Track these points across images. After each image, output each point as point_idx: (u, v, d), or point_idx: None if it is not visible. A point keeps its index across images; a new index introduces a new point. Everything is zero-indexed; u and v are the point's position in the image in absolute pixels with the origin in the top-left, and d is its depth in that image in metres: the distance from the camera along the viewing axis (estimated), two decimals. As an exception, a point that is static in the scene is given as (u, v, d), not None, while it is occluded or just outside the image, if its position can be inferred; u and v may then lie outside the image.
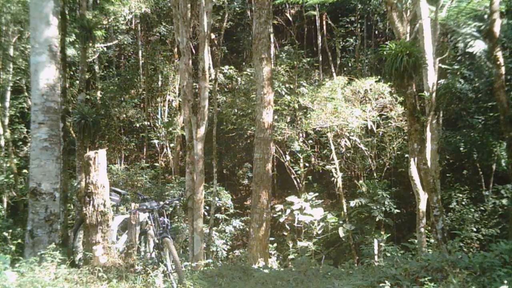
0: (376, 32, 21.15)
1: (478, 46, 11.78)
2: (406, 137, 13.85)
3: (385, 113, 14.47)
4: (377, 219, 13.24)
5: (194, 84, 12.89)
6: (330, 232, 14.12)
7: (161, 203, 5.74)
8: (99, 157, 5.50)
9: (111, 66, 21.47)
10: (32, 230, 5.89)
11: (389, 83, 13.50)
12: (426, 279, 4.09)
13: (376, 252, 11.93)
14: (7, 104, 16.66)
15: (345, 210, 14.44)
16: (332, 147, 14.93)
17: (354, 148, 15.22)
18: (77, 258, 6.16)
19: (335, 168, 14.88)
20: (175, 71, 18.81)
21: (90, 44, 12.62)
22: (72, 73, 17.42)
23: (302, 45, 21.04)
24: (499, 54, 8.34)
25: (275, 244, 13.97)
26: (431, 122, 9.89)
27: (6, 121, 16.53)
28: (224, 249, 14.32)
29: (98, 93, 18.67)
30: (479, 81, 12.84)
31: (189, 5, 10.44)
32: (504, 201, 12.70)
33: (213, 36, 19.39)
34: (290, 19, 21.46)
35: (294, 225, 14.44)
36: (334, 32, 20.38)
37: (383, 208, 13.28)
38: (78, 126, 10.39)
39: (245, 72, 18.01)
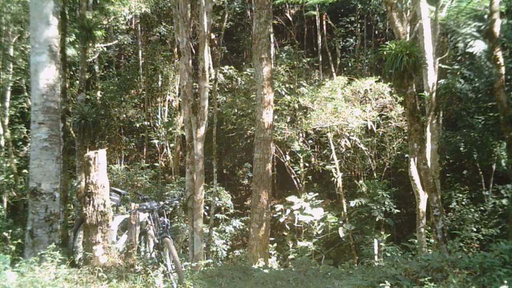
0: (376, 32, 21.15)
1: (478, 46, 11.78)
2: (406, 137, 13.85)
3: (385, 113, 14.46)
4: (377, 219, 13.23)
5: (194, 84, 12.89)
6: (330, 232, 14.12)
7: (161, 203, 5.74)
8: (99, 157, 5.49)
9: (111, 66, 21.46)
10: (32, 230, 5.89)
11: (389, 83, 13.50)
12: (426, 279, 4.09)
13: (376, 252, 11.92)
14: (7, 104, 16.66)
15: (345, 210, 14.44)
16: (332, 147, 14.93)
17: (354, 148, 15.22)
18: (77, 258, 6.16)
19: (335, 168, 14.88)
20: (175, 71, 18.81)
21: (90, 44, 12.62)
22: (72, 73, 17.41)
23: (302, 45, 21.04)
24: (499, 54, 8.34)
25: (275, 244, 13.96)
26: (431, 122, 9.90)
27: (6, 121, 16.53)
28: (224, 249, 14.32)
29: (98, 93, 18.67)
30: (479, 81, 12.84)
31: (189, 5, 10.43)
32: (504, 201, 12.70)
33: (213, 36, 19.40)
34: (290, 19, 21.46)
35: (294, 225, 14.44)
36: (334, 32, 20.38)
37: (383, 208, 13.28)
38: (78, 126, 10.38)
39: (245, 72, 18.01)
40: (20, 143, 18.03)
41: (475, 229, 12.22)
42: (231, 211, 15.40)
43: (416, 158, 8.82)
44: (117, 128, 19.49)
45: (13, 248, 6.30)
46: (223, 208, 15.29)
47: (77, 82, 14.43)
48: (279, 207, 14.91)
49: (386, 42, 8.30)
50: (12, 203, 15.80)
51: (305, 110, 15.60)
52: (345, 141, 15.07)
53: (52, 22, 6.25)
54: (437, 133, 11.68)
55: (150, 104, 20.20)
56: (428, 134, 9.73)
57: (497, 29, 8.30)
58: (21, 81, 16.90)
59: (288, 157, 16.26)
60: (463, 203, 12.87)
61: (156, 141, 19.15)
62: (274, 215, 14.40)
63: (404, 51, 7.25)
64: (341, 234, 13.72)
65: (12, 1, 13.78)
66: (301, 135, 16.54)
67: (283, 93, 16.24)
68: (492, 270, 4.17)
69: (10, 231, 8.11)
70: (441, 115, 13.54)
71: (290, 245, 14.17)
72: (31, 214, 5.96)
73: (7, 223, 13.35)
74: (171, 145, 19.34)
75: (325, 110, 14.27)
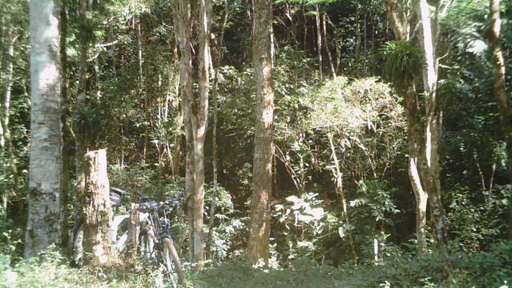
0: (376, 32, 21.15)
1: (478, 46, 11.78)
2: (406, 137, 13.85)
3: (385, 113, 14.47)
4: (377, 219, 13.23)
5: (194, 84, 12.89)
6: (330, 232, 14.12)
7: (161, 203, 5.73)
8: (99, 157, 5.49)
9: (111, 66, 21.46)
10: (32, 230, 5.89)
11: (389, 83, 13.50)
12: (426, 279, 4.09)
13: (376, 252, 11.93)
14: (7, 104, 16.66)
15: (345, 210, 14.44)
16: (332, 147, 14.93)
17: (354, 148, 15.22)
18: (77, 258, 6.15)
19: (335, 168, 14.88)
20: (175, 71, 18.81)
21: (90, 44, 12.62)
22: (72, 73, 17.40)
23: (302, 45, 21.04)
24: (499, 54, 8.34)
25: (275, 244, 13.96)
26: (431, 122, 9.90)
27: (6, 121, 16.53)
28: (224, 249, 14.31)
29: (98, 93, 18.68)
30: (479, 81, 12.85)
31: (189, 5, 10.44)
32: (504, 201, 12.70)
33: (213, 36, 19.39)
34: (290, 19, 21.46)
35: (294, 225, 14.44)
36: (334, 32, 20.39)
37: (383, 208, 13.28)
38: (78, 126, 10.38)
39: (245, 72, 18.01)
40: (20, 143, 18.03)
41: (475, 229, 12.22)
42: (231, 211, 15.40)
43: (416, 158, 8.83)
44: (117, 128, 19.49)
45: (13, 248, 6.28)
46: (223, 208, 15.28)
47: (77, 82, 14.42)
48: (279, 207, 14.91)
49: (386, 42, 8.30)
50: (12, 203, 15.79)
51: (305, 110, 15.60)
52: (345, 141, 15.07)
53: (52, 22, 6.25)
54: (437, 133, 11.68)
55: (150, 104, 20.20)
56: (428, 134, 9.74)
57: (497, 29, 8.29)
58: (21, 81, 16.90)
59: (288, 157, 16.26)
60: (463, 203, 12.87)
61: (156, 141, 19.15)
62: (274, 215, 14.40)
63: (404, 51, 7.25)
64: (341, 234, 13.71)
65: (12, 1, 13.77)
66: (301, 135, 16.54)
67: (283, 93, 16.24)
68: (492, 270, 4.17)
69: (10, 231, 8.08)
70: (441, 115, 13.54)
71: (290, 245, 14.17)
72: (31, 214, 5.96)
73: (7, 223, 13.34)
74: (171, 145, 19.34)
75: (325, 110, 14.27)
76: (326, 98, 14.49)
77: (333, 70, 19.35)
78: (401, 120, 13.97)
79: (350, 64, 20.42)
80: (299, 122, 15.99)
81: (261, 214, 10.35)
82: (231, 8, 19.99)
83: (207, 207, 13.94)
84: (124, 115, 19.20)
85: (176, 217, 14.29)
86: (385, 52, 7.60)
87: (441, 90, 12.56)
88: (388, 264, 5.51)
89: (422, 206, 9.97)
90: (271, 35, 16.26)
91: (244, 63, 20.96)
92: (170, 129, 18.41)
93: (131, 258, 5.36)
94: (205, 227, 12.84)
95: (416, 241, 10.48)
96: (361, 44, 20.52)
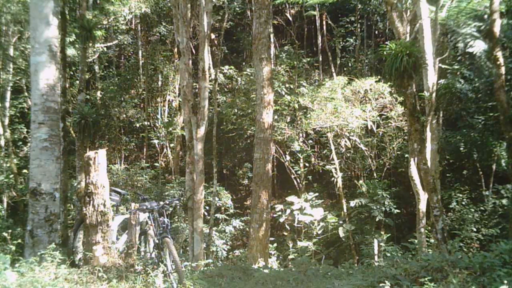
0: (376, 32, 21.14)
1: (478, 46, 11.77)
2: (406, 137, 13.85)
3: (385, 113, 14.47)
4: (377, 219, 13.23)
5: (194, 84, 12.89)
6: (330, 232, 14.12)
7: (161, 203, 5.73)
8: (99, 157, 5.49)
9: (111, 66, 21.46)
10: (32, 230, 5.89)
11: (389, 83, 13.50)
12: (426, 279, 4.09)
13: (376, 252, 11.92)
14: (7, 104, 16.66)
15: (345, 210, 14.44)
16: (332, 147, 14.93)
17: (354, 148, 15.23)
18: (77, 258, 6.15)
19: (335, 168, 14.88)
20: (175, 71, 18.82)
21: (90, 44, 12.63)
22: (72, 73, 17.41)
23: (302, 45, 21.05)
24: (499, 54, 8.35)
25: (275, 244, 13.96)
26: (431, 122, 9.89)
27: (6, 121, 16.54)
28: (224, 249, 14.32)
29: (98, 93, 18.68)
30: (479, 81, 12.84)
31: (189, 5, 10.44)
32: (504, 201, 12.69)
33: (213, 36, 19.40)
34: (290, 19, 21.45)
35: (294, 225, 14.44)
36: (334, 32, 20.39)
37: (383, 208, 13.28)
38: (78, 126, 10.40)
39: (245, 72, 18.01)
40: (20, 143, 18.03)
41: (475, 229, 12.21)
42: (231, 211, 15.41)
43: (416, 158, 8.82)
44: (117, 128, 19.49)
45: (13, 248, 6.29)
46: (223, 208, 15.29)
47: (77, 82, 14.44)
48: (279, 207, 14.91)
49: (386, 42, 8.30)
50: (12, 203, 15.80)
51: (305, 110, 15.60)
52: (345, 141, 15.07)
53: (52, 22, 6.25)
54: (437, 133, 11.68)
55: (150, 104, 20.20)
56: (428, 134, 9.73)
57: (497, 29, 8.31)
58: (21, 81, 16.91)
59: (288, 157, 16.26)
60: (463, 203, 12.86)
61: (156, 141, 19.16)
62: (274, 215, 14.40)
63: (404, 51, 7.26)
64: (341, 234, 13.71)
65: (12, 1, 13.78)
66: (301, 135, 16.54)
67: (283, 93, 16.24)
68: (492, 270, 4.16)
69: (10, 231, 8.11)
70: (441, 115, 13.54)
71: (290, 245, 14.17)
72: (31, 214, 5.96)
73: (7, 223, 13.35)
74: (171, 145, 19.35)
75: (325, 110, 14.27)
76: (326, 98, 14.49)
77: (333, 70, 19.34)
78: (401, 120, 13.96)
79: (350, 64, 20.42)
80: (299, 122, 15.99)
81: (261, 214, 10.35)
82: (231, 8, 19.99)
83: (207, 207, 13.95)
84: (124, 115, 19.21)
85: (176, 217, 14.30)
86: (385, 52, 7.60)
87: (441, 90, 12.55)
88: (388, 264, 5.51)
89: (422, 206, 9.97)
90: (271, 35, 16.26)
91: (244, 63, 20.95)
92: (170, 129, 18.41)
93: (131, 258, 5.35)
94: (205, 227, 12.84)
95: (416, 241, 10.47)
96: (361, 44, 20.52)
